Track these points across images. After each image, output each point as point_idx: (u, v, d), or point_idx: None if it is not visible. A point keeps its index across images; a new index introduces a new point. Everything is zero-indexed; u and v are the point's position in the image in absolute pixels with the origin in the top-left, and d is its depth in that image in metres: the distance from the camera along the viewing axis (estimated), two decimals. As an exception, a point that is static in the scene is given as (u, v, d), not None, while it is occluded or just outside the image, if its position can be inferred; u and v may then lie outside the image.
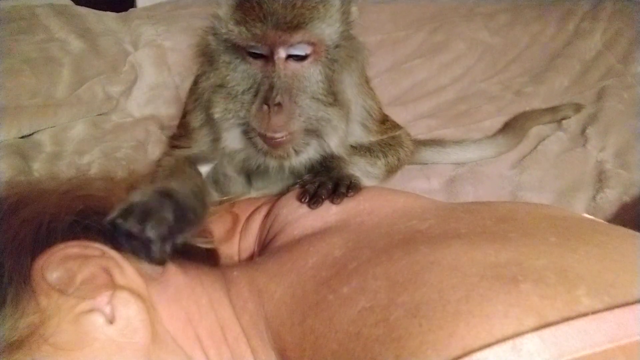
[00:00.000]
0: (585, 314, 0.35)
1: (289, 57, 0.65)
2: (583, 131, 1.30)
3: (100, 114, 1.32)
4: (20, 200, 0.50)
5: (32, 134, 1.19)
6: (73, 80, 1.30)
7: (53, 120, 1.23)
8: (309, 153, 0.70)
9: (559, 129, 1.33)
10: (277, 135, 0.66)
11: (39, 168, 1.07)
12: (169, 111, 1.35)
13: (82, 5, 1.59)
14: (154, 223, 0.53)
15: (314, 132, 0.68)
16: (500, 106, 1.46)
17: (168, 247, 0.53)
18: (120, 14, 1.65)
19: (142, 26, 1.56)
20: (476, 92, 1.57)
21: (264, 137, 0.67)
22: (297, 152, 0.69)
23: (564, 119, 1.37)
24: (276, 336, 0.48)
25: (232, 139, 0.70)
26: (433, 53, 1.69)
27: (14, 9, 1.42)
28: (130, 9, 1.73)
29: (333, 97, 0.68)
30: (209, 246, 0.63)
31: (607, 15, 1.88)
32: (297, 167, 0.72)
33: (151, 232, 0.52)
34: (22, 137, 1.18)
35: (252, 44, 0.64)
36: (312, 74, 0.67)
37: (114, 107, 1.35)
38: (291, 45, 0.64)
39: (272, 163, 0.70)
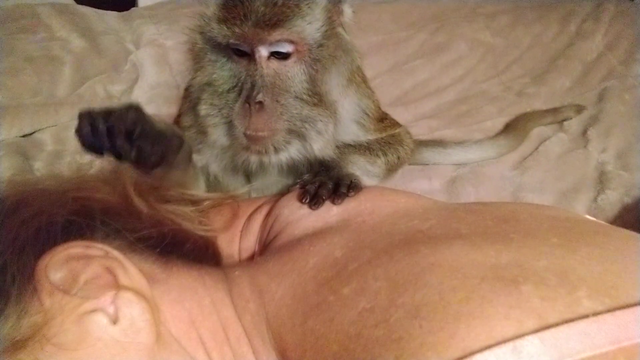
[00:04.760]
0: (586, 316, 0.35)
1: (272, 55, 0.65)
2: (584, 132, 1.31)
3: (102, 113, 1.33)
4: (22, 200, 0.50)
5: (34, 132, 1.19)
6: (74, 79, 1.30)
7: (54, 119, 1.23)
8: (290, 152, 0.69)
9: (560, 130, 1.34)
10: (259, 134, 0.66)
11: (40, 167, 1.07)
12: (170, 110, 1.35)
13: (83, 4, 1.59)
14: (116, 115, 0.61)
15: (297, 133, 0.68)
16: (502, 107, 1.46)
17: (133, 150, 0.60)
18: (121, 13, 1.65)
19: (143, 25, 1.56)
20: (477, 92, 1.57)
21: (245, 135, 0.67)
22: (276, 150, 0.68)
23: (565, 120, 1.37)
24: (277, 336, 0.48)
25: (219, 135, 0.70)
26: (434, 53, 1.69)
27: (15, 8, 1.42)
28: (132, 8, 1.73)
29: (318, 97, 0.67)
30: (208, 234, 0.63)
31: (608, 17, 1.88)
32: (278, 164, 0.71)
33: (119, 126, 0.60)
34: (24, 136, 1.18)
35: (234, 41, 0.65)
36: (295, 73, 0.66)
37: (115, 106, 1.35)
38: (271, 44, 0.64)
39: (253, 159, 0.70)
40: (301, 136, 0.68)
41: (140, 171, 0.61)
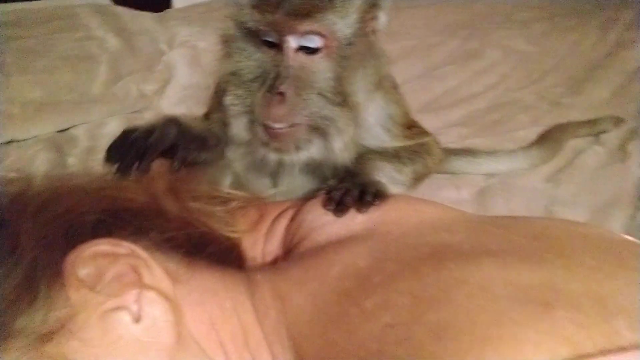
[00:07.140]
0: (624, 348, 0.33)
1: (301, 49, 0.65)
2: (623, 146, 1.25)
3: (134, 112, 1.36)
4: (54, 195, 0.51)
5: (68, 128, 1.23)
6: (109, 78, 1.34)
7: (88, 116, 1.26)
8: (311, 152, 0.68)
9: (596, 143, 1.28)
10: (277, 125, 0.65)
11: (73, 162, 1.10)
12: (201, 111, 1.37)
13: (120, 5, 1.64)
14: (157, 135, 0.64)
15: (318, 131, 0.67)
16: (536, 116, 1.42)
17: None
18: (156, 14, 1.69)
19: (177, 26, 1.59)
20: (510, 101, 1.53)
21: (264, 127, 0.66)
22: (297, 149, 0.67)
23: (602, 132, 1.32)
24: (296, 345, 0.47)
25: (239, 128, 0.70)
26: (466, 60, 1.66)
27: (56, 9, 1.48)
28: (166, 10, 1.78)
29: (342, 97, 0.66)
30: (234, 235, 0.62)
31: (652, 25, 1.80)
32: (298, 164, 0.70)
33: (154, 141, 0.63)
34: (59, 132, 1.22)
35: (263, 28, 0.64)
36: (322, 69, 0.66)
37: (147, 105, 1.38)
38: (301, 35, 0.63)
39: (272, 156, 0.69)
40: (322, 134, 0.67)
41: (174, 168, 0.65)
